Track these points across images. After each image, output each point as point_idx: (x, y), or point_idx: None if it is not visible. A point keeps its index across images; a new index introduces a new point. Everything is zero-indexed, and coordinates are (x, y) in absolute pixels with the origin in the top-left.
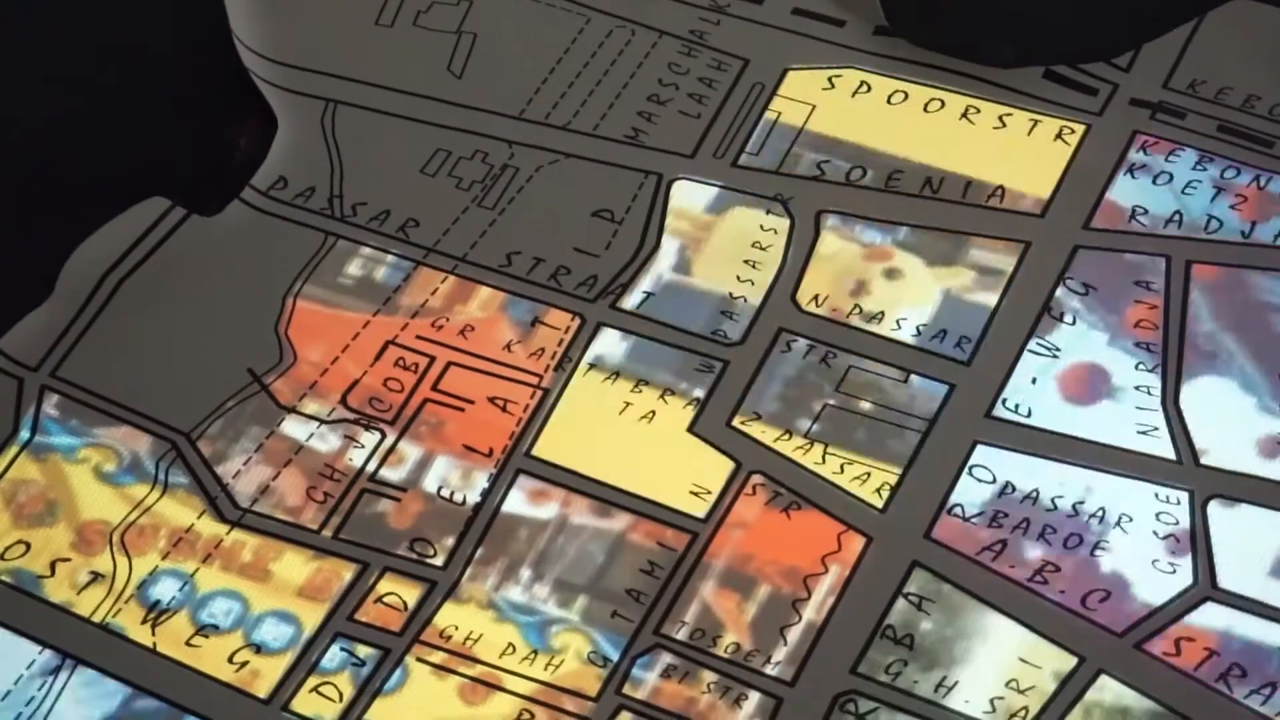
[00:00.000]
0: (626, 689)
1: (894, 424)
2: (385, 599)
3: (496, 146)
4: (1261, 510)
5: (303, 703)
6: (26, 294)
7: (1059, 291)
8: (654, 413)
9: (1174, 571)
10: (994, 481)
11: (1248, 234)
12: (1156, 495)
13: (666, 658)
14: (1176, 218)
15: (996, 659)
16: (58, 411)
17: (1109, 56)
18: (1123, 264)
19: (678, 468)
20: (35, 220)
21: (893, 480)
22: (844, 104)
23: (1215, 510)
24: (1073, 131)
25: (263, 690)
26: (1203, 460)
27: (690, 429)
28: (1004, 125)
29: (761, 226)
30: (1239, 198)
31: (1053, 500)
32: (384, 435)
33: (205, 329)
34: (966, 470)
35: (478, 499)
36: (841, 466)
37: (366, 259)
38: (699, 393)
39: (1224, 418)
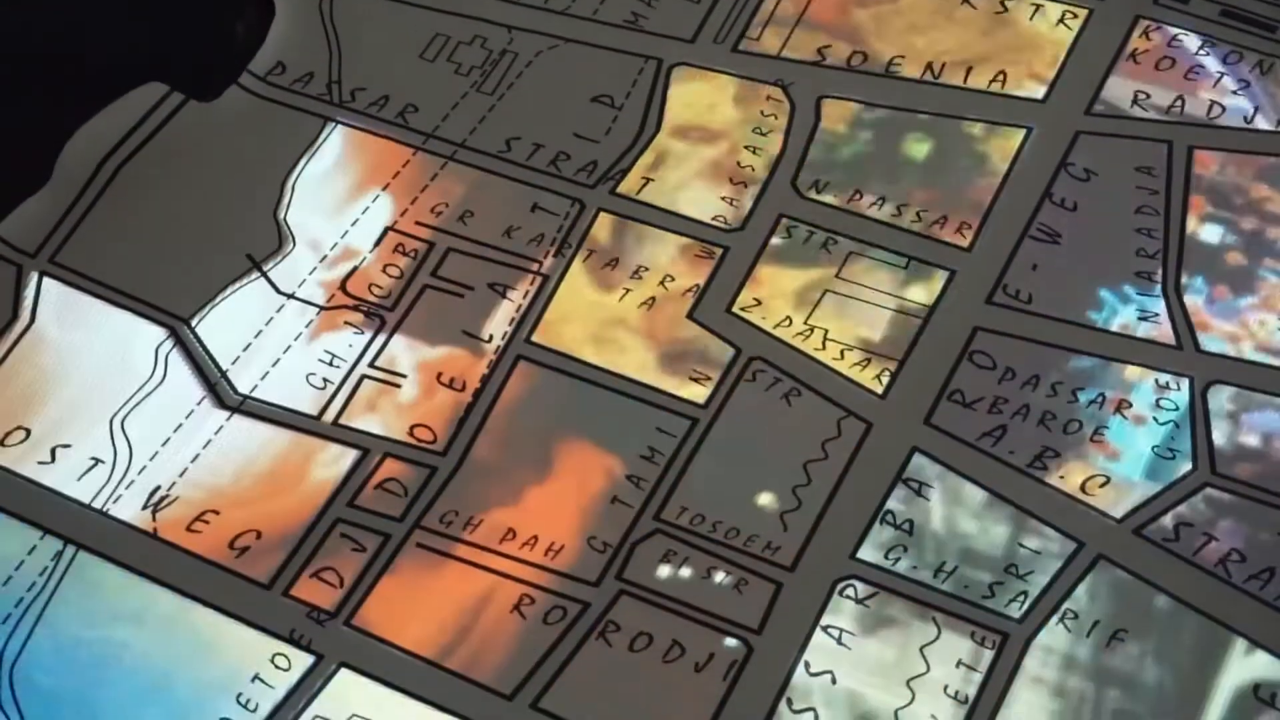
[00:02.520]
0: (627, 574)
1: (894, 310)
2: (385, 485)
3: (495, 31)
4: (1261, 396)
5: (304, 588)
6: (25, 179)
7: (1060, 177)
8: (654, 299)
9: (1173, 457)
10: (994, 368)
11: (1249, 119)
12: (1157, 381)
13: (666, 543)
14: (1178, 104)
15: (996, 544)
16: (58, 297)
17: None
18: (1124, 150)
19: (678, 354)
20: (33, 106)
21: (893, 366)
22: None
23: (1215, 395)
24: (1075, 16)
25: (264, 576)
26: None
27: (690, 315)
28: (1005, 10)
29: (762, 112)
30: (1241, 83)
31: (1053, 386)
32: (384, 321)
33: (204, 215)
34: (967, 356)
35: (478, 385)
36: (842, 353)
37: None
38: (699, 279)
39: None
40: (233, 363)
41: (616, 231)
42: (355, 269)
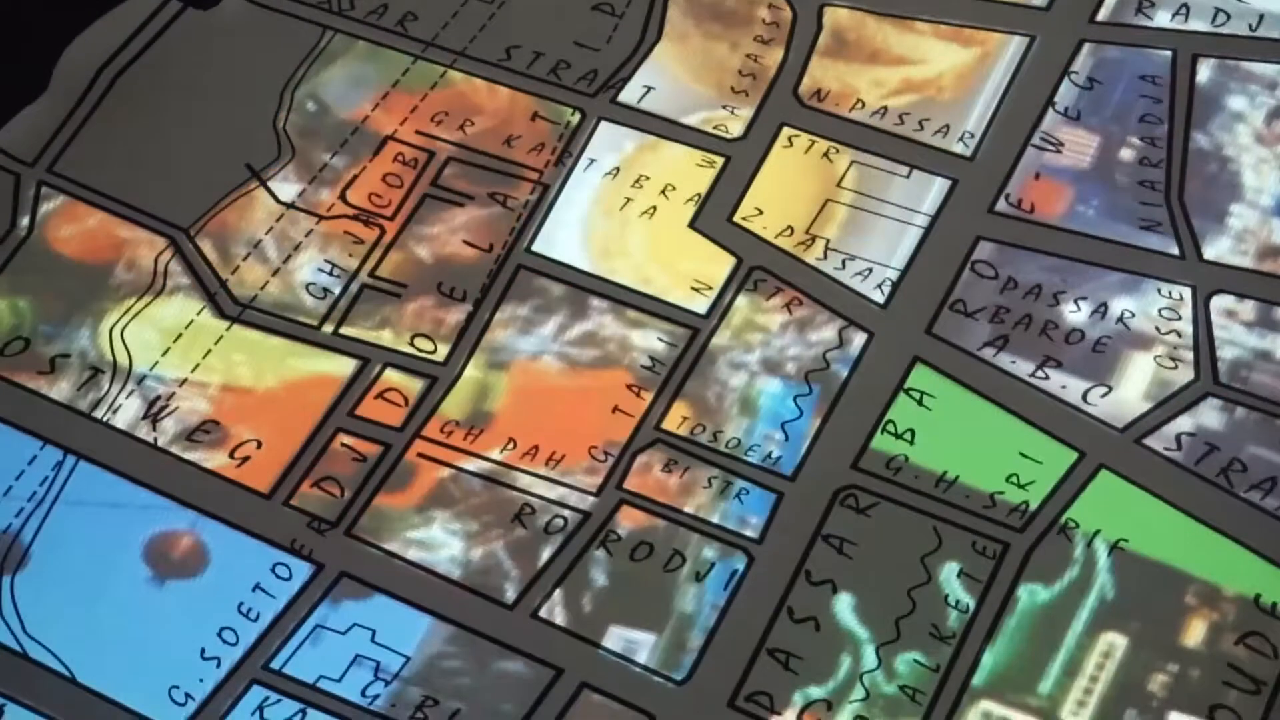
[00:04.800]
0: (628, 483)
1: (896, 219)
2: (386, 395)
3: None
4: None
5: (304, 498)
6: (22, 88)
7: (1063, 86)
8: (655, 208)
9: (1175, 367)
10: (996, 277)
11: (1254, 27)
12: (1159, 291)
13: (667, 452)
14: (1183, 10)
15: (997, 454)
16: (58, 208)
17: None
18: (1128, 58)
19: (679, 263)
20: (30, 15)
21: (894, 276)
22: None
23: (1218, 305)
24: None
25: (264, 485)
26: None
27: (691, 225)
28: None
29: (763, 20)
30: None
31: (1055, 296)
32: (383, 231)
33: (203, 124)
34: (969, 266)
35: (478, 294)
36: (843, 262)
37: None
38: (700, 188)
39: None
40: (232, 272)
41: (617, 140)
42: (355, 178)
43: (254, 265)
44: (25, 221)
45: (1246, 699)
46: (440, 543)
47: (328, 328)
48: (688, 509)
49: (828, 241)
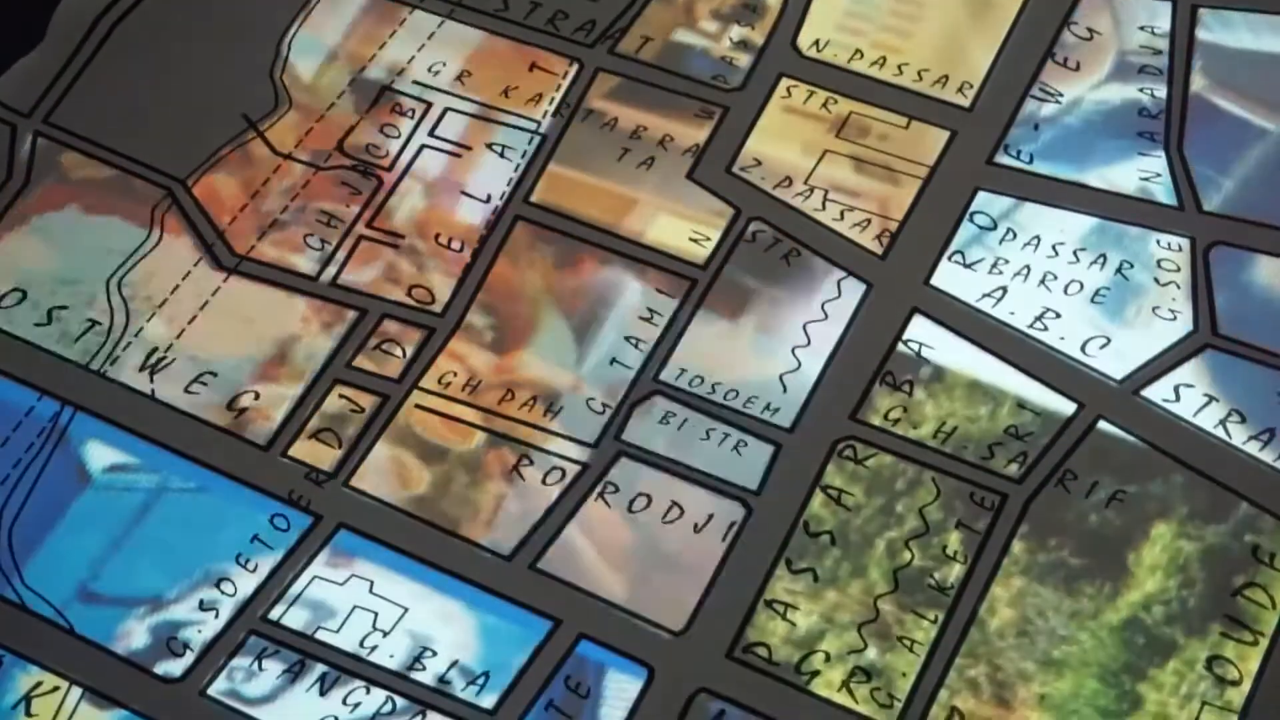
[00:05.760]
0: (625, 435)
1: (895, 170)
2: (383, 346)
3: None
4: (1263, 257)
5: (302, 449)
6: (18, 38)
7: (1064, 35)
8: (653, 159)
9: (1174, 318)
10: (995, 228)
11: None
12: (1158, 242)
13: (665, 404)
14: None
15: (995, 406)
16: (55, 159)
17: None
18: (1128, 5)
19: (677, 214)
20: None
21: (893, 227)
22: None
23: (1217, 256)
24: None
25: (262, 437)
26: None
27: (689, 175)
28: None
29: None
30: None
31: (1054, 247)
32: (381, 182)
33: (200, 74)
34: (967, 217)
35: (476, 245)
36: (842, 213)
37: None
38: (698, 139)
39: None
40: (229, 224)
41: (615, 91)
42: (352, 129)
43: (251, 216)
44: (22, 172)
45: (1244, 649)
46: (438, 494)
47: (325, 278)
48: (686, 460)
49: (826, 192)
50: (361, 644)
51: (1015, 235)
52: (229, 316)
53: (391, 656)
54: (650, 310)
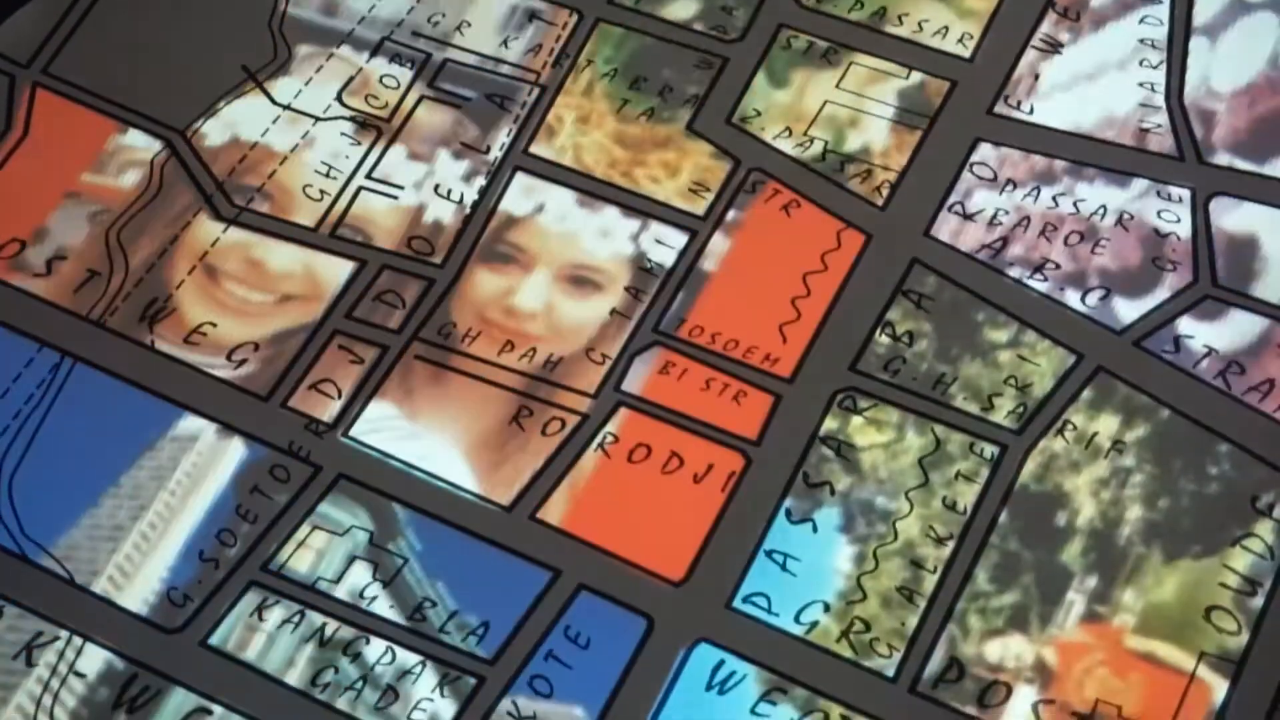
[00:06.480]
0: (625, 386)
1: (895, 120)
2: (383, 297)
3: None
4: (1262, 208)
5: (302, 400)
6: None
7: None
8: (653, 110)
9: (1174, 269)
10: (995, 179)
11: None
12: (1159, 193)
13: (665, 354)
14: None
15: (995, 356)
16: (54, 110)
17: None
18: None
19: (677, 165)
20: None
21: (893, 178)
22: None
23: (1217, 207)
24: None
25: (261, 388)
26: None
27: (689, 126)
28: None
29: None
30: None
31: (1054, 198)
32: (380, 133)
33: (199, 25)
34: (967, 168)
35: (475, 197)
36: (842, 164)
37: None
38: (698, 89)
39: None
40: (229, 175)
41: (615, 41)
42: (351, 80)
43: (250, 167)
44: (20, 123)
45: (1243, 599)
46: (437, 446)
47: (325, 229)
48: (686, 411)
49: (826, 143)
50: (361, 594)
51: (1015, 186)
52: (228, 266)
53: (391, 607)
54: (650, 260)
